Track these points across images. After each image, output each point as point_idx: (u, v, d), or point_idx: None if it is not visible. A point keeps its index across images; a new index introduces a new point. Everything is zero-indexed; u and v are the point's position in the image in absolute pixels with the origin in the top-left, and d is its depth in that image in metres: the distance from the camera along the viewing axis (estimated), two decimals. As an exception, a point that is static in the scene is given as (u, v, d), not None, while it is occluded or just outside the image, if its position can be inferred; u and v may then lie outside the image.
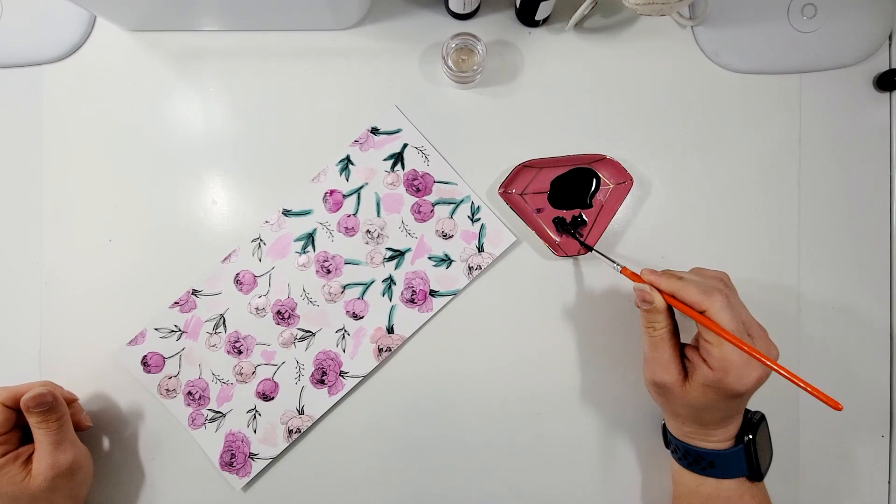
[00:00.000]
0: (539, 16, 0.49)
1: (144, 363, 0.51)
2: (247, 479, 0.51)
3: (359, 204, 0.51)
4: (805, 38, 0.51)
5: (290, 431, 0.51)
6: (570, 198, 0.51)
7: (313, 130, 0.52)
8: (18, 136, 0.52)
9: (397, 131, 0.52)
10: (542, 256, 0.51)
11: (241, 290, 0.51)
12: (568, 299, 0.51)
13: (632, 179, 0.50)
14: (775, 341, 0.51)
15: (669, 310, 0.42)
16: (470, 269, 0.51)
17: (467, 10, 0.50)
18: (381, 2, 0.52)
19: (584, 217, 0.51)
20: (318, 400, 0.51)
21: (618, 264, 0.45)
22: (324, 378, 0.51)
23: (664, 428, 0.47)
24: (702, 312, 0.39)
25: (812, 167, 0.52)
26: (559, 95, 0.52)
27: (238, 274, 0.51)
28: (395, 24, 0.52)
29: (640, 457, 0.51)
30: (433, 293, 0.51)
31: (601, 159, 0.50)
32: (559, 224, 0.51)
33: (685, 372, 0.41)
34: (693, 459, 0.43)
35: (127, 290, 0.52)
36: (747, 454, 0.42)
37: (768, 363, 0.36)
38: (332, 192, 0.52)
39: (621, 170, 0.50)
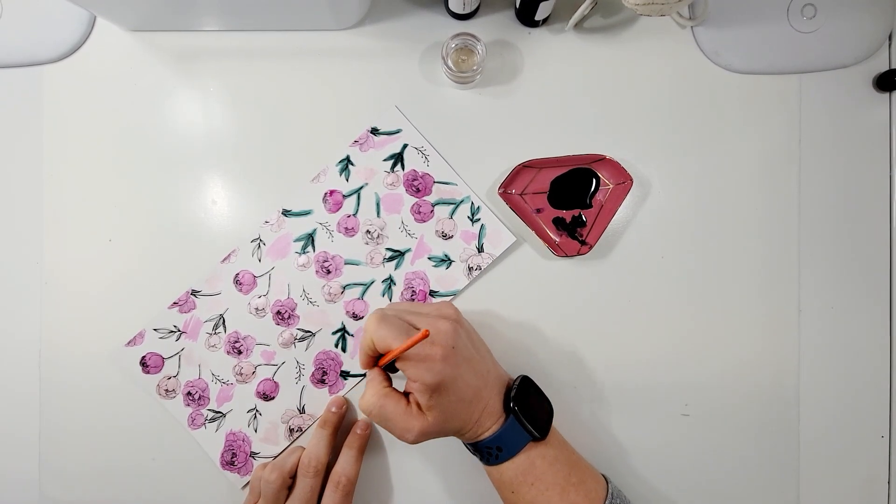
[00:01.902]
0: (539, 16, 0.49)
1: (143, 364, 0.51)
2: (248, 478, 0.51)
3: (359, 204, 0.51)
4: (805, 38, 0.51)
5: (291, 430, 0.51)
6: (569, 198, 0.51)
7: (313, 130, 0.52)
8: (18, 136, 0.52)
9: (397, 132, 0.52)
10: (542, 256, 0.51)
11: (240, 290, 0.51)
12: (567, 299, 0.51)
13: (631, 179, 0.50)
14: (776, 342, 0.51)
15: (380, 377, 0.44)
16: (470, 269, 0.51)
17: (467, 11, 0.50)
18: (381, 2, 0.52)
19: (584, 217, 0.51)
20: (319, 399, 0.51)
21: None
22: (324, 378, 0.51)
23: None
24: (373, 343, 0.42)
25: (812, 167, 0.52)
26: (559, 95, 0.52)
27: (238, 274, 0.51)
28: (395, 24, 0.52)
29: (637, 450, 0.51)
30: (433, 293, 0.51)
31: (601, 159, 0.50)
32: (559, 224, 0.51)
33: (418, 406, 0.42)
34: (486, 453, 0.43)
35: (127, 290, 0.52)
36: (518, 420, 0.43)
37: (404, 346, 0.39)
38: (331, 192, 0.52)
39: (621, 170, 0.50)
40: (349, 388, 0.51)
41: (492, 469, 0.44)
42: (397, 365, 0.42)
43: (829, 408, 0.51)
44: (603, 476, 0.46)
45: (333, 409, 0.50)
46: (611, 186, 0.51)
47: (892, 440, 0.51)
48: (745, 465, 0.51)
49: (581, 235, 0.51)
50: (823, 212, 0.51)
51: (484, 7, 0.51)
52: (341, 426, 0.50)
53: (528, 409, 0.44)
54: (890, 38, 0.52)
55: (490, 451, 0.43)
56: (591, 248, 0.50)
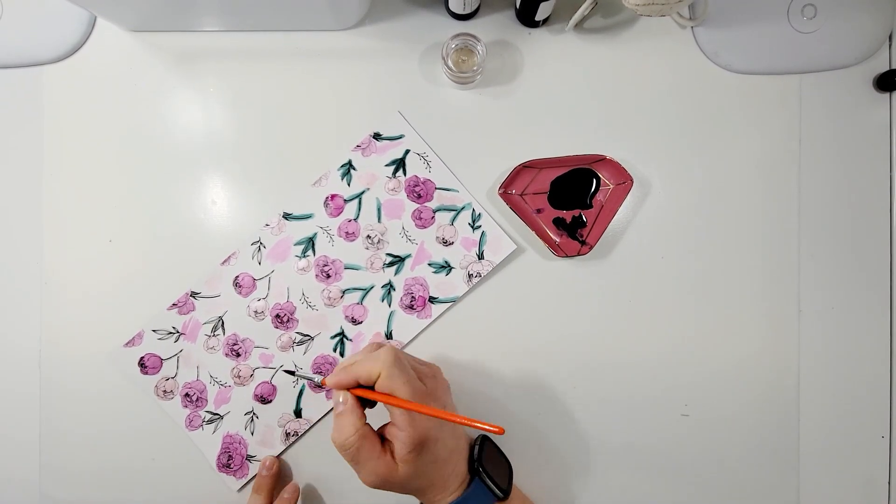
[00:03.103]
0: (539, 16, 0.49)
1: (142, 364, 0.51)
2: (244, 481, 0.51)
3: (360, 209, 0.51)
4: (805, 38, 0.51)
5: (287, 434, 0.51)
6: (570, 198, 0.51)
7: (312, 130, 0.52)
8: (18, 136, 0.52)
9: (400, 137, 0.52)
10: (543, 257, 0.51)
11: (240, 292, 0.51)
12: (567, 300, 0.51)
13: (632, 180, 0.50)
14: (776, 342, 0.51)
15: (359, 411, 0.41)
16: (469, 276, 0.51)
17: (467, 11, 0.50)
18: (381, 2, 0.52)
19: (585, 217, 0.51)
20: (315, 403, 0.51)
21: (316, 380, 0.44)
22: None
23: None
24: (378, 379, 0.40)
25: (812, 167, 0.52)
26: (559, 96, 0.52)
27: (237, 277, 0.51)
28: (395, 25, 0.52)
29: (637, 450, 0.51)
30: (432, 300, 0.51)
31: (601, 160, 0.50)
32: (559, 224, 0.51)
33: (391, 454, 0.41)
34: None
35: (127, 291, 0.51)
36: (484, 482, 0.42)
37: (427, 412, 0.39)
38: (333, 196, 0.51)
39: (621, 170, 0.50)
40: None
41: None
42: (390, 408, 0.41)
43: (829, 408, 0.51)
44: None
45: (264, 472, 0.49)
46: (611, 187, 0.51)
47: (892, 440, 0.51)
48: (745, 465, 0.51)
49: (581, 236, 0.51)
50: (823, 212, 0.51)
51: (484, 7, 0.51)
52: (277, 485, 0.50)
53: (491, 470, 0.44)
54: (890, 38, 0.52)
55: None
56: (591, 248, 0.50)
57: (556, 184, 0.51)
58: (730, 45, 0.51)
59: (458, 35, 0.48)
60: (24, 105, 0.52)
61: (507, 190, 0.51)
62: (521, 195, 0.51)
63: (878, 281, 0.51)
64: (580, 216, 0.51)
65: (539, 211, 0.51)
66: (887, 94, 0.52)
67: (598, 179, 0.51)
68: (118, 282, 0.52)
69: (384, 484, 0.40)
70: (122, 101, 0.52)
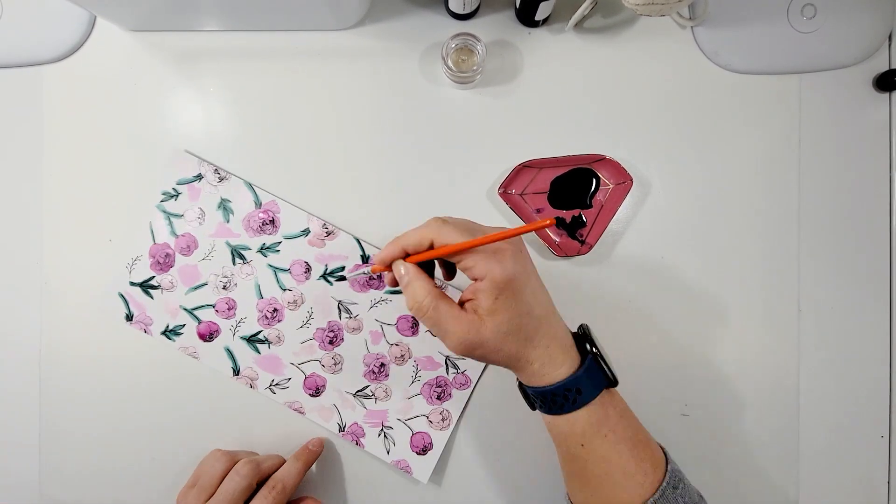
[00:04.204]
0: (539, 16, 0.49)
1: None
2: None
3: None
4: (805, 38, 0.51)
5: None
6: (570, 198, 0.51)
7: (313, 130, 0.52)
8: (18, 136, 0.52)
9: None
10: (542, 257, 0.51)
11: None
12: (567, 300, 0.51)
13: (631, 179, 0.50)
14: (776, 342, 0.51)
15: (425, 275, 0.38)
16: None
17: (467, 11, 0.50)
18: (381, 2, 0.52)
19: (584, 217, 0.51)
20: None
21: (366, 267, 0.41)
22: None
23: (520, 389, 0.41)
24: (431, 245, 0.37)
25: (812, 167, 0.52)
26: (559, 95, 0.52)
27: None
28: (395, 24, 0.52)
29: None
30: None
31: (601, 159, 0.50)
32: (559, 224, 0.51)
33: (476, 313, 0.37)
34: (563, 397, 0.38)
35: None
36: (597, 363, 0.38)
37: (498, 236, 0.35)
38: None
39: (621, 170, 0.50)
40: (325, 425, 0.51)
41: (560, 419, 0.39)
42: (460, 265, 0.37)
43: (829, 408, 0.51)
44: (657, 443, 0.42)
45: (311, 447, 0.50)
46: (611, 186, 0.51)
47: (892, 440, 0.51)
48: (745, 465, 0.51)
49: (581, 236, 0.51)
50: (823, 212, 0.51)
51: (484, 7, 0.51)
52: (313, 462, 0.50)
53: (603, 352, 0.39)
54: (890, 38, 0.52)
55: (568, 395, 0.37)
56: (591, 248, 0.50)
57: (555, 184, 0.51)
58: (730, 45, 0.51)
59: (458, 35, 0.48)
60: (24, 105, 0.52)
61: (507, 190, 0.51)
62: (521, 195, 0.51)
63: (878, 281, 0.51)
64: (580, 216, 0.51)
65: (539, 211, 0.51)
66: (887, 94, 0.52)
67: (598, 179, 0.51)
68: (119, 282, 0.51)
69: (473, 346, 0.36)
70: (122, 101, 0.52)
